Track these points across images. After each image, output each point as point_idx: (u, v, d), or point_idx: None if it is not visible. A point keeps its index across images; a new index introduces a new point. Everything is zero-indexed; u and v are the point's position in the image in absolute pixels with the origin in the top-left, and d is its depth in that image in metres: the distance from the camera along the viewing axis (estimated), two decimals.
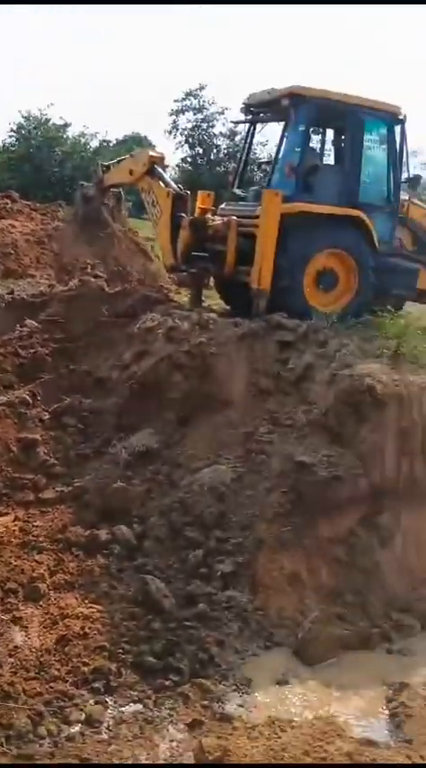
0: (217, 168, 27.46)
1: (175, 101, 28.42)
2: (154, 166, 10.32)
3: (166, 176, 10.46)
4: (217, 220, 9.82)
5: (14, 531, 6.82)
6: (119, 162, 12.16)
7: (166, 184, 10.12)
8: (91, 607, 5.92)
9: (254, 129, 10.74)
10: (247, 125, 10.89)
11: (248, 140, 11.05)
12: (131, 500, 7.11)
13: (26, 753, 4.49)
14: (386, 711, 5.28)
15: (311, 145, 10.14)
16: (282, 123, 9.89)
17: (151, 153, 10.86)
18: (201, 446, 7.61)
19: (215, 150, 28.85)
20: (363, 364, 7.45)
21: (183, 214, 9.80)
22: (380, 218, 9.50)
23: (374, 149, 9.51)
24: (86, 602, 5.99)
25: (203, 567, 6.36)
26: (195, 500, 6.91)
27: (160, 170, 10.34)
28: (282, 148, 9.86)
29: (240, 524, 6.69)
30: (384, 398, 6.99)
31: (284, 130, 9.83)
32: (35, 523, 6.98)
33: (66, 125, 25.97)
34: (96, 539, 6.71)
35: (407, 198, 10.33)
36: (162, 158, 10.61)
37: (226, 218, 9.60)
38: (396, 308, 9.06)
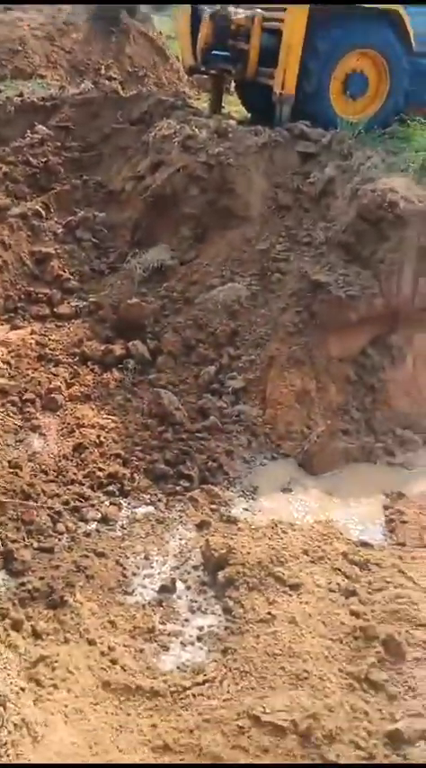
0: None
1: None
2: None
3: None
4: (241, 14, 8.90)
5: (31, 344, 6.88)
6: None
7: None
8: (106, 418, 6.09)
9: None
10: None
11: None
12: (145, 316, 7.07)
13: (46, 546, 4.79)
14: (383, 518, 5.52)
15: None
16: None
17: None
18: (217, 263, 7.40)
19: None
20: (387, 179, 6.99)
21: (206, 7, 8.91)
22: (420, 14, 8.36)
23: None
24: (102, 413, 6.15)
25: (215, 383, 6.46)
26: (209, 317, 6.88)
27: None
28: None
29: (253, 342, 6.68)
30: (406, 215, 6.62)
31: None
32: (51, 337, 7.03)
33: None
34: (111, 353, 6.77)
35: None
36: None
37: (250, 12, 8.72)
38: None
